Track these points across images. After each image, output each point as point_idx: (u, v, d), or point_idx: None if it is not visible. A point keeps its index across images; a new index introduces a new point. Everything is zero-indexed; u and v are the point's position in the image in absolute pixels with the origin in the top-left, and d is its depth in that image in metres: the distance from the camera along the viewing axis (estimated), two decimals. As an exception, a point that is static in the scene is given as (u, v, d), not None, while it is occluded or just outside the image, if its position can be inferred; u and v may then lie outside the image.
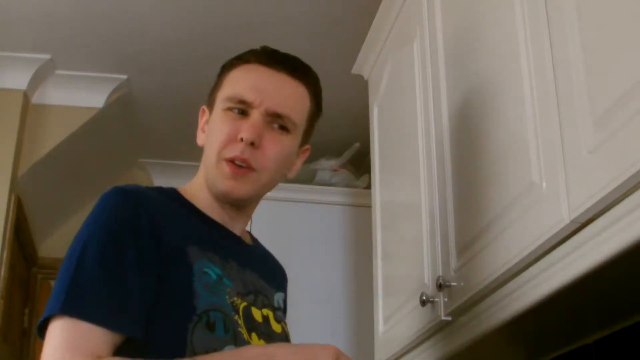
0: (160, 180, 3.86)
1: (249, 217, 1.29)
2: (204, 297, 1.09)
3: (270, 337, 1.17)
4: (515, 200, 1.20)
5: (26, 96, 3.10)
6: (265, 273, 1.27)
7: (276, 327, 1.21)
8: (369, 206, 2.16)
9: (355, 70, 2.30)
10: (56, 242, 3.62)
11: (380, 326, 1.89)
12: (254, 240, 1.35)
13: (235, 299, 1.14)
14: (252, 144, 1.18)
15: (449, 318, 1.45)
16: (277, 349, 1.05)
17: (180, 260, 1.10)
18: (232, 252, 1.19)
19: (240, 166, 1.18)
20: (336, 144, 3.37)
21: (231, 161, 1.18)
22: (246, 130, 1.18)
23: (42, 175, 3.22)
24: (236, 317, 1.12)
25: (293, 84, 1.24)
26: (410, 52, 1.79)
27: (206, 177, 1.23)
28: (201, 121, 1.30)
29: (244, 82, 1.23)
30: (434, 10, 1.65)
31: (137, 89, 3.26)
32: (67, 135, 3.18)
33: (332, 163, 3.25)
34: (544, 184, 1.11)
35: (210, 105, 1.27)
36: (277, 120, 1.21)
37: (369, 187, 2.58)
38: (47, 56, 3.05)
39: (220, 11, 2.73)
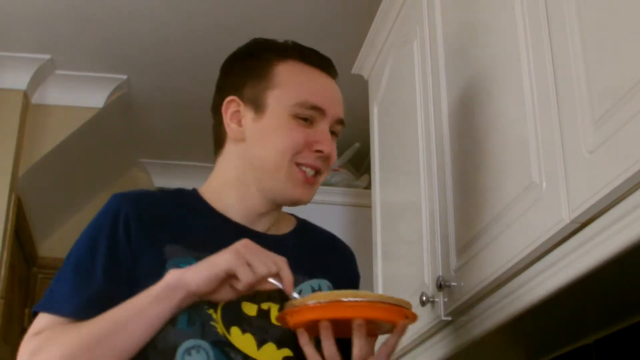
0: (160, 180, 3.87)
1: (279, 208, 1.29)
2: None
3: (264, 330, 1.16)
4: (515, 200, 1.20)
5: (26, 96, 3.10)
6: (298, 262, 1.22)
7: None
8: (369, 206, 2.16)
9: (355, 70, 2.30)
10: (56, 242, 3.62)
11: (380, 326, 1.89)
12: (296, 229, 1.32)
13: None
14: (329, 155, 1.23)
15: (449, 318, 1.45)
16: (188, 269, 1.10)
17: (154, 258, 1.14)
18: None
19: (311, 174, 1.23)
20: (336, 144, 3.36)
21: (301, 168, 1.22)
22: (327, 144, 1.22)
23: (42, 175, 3.22)
24: (209, 311, 1.13)
25: (336, 86, 1.28)
26: (410, 52, 1.79)
27: (262, 179, 1.23)
28: (229, 112, 1.26)
29: (310, 86, 1.24)
30: (434, 10, 1.65)
31: (137, 89, 3.27)
32: (67, 135, 3.18)
33: (332, 163, 3.25)
34: (544, 184, 1.11)
35: (254, 101, 1.24)
36: (337, 128, 1.26)
37: (369, 187, 2.58)
38: (47, 56, 3.05)
39: (219, 11, 2.73)
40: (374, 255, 2.01)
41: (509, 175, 1.23)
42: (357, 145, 3.21)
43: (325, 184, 3.18)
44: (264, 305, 1.18)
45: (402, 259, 1.80)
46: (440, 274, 1.47)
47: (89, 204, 3.63)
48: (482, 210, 1.32)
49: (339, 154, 3.28)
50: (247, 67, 1.27)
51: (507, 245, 1.22)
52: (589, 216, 1.01)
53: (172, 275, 1.10)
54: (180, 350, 1.11)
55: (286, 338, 1.15)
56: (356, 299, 1.09)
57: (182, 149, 3.65)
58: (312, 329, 1.10)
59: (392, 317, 1.12)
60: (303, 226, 1.35)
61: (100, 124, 3.30)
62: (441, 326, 1.50)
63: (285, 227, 1.31)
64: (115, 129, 3.46)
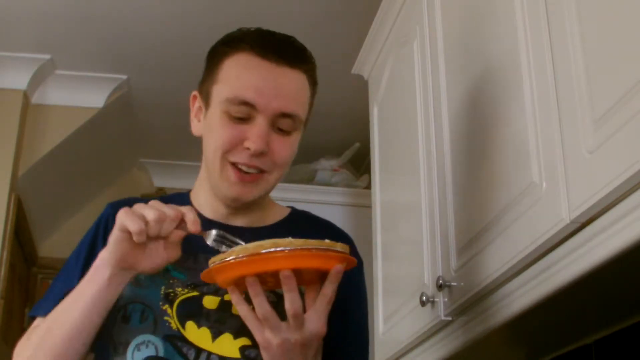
0: (160, 180, 3.86)
1: (259, 203, 1.24)
2: (128, 292, 1.15)
3: (222, 322, 1.14)
4: (515, 200, 1.20)
5: (26, 96, 3.10)
6: None
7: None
8: (369, 206, 2.16)
9: (355, 70, 2.30)
10: (56, 242, 3.62)
11: (380, 326, 1.89)
12: (286, 219, 1.28)
13: (179, 289, 1.16)
14: (260, 153, 1.15)
15: (449, 318, 1.45)
16: (97, 259, 1.11)
17: None
18: (205, 245, 1.14)
19: (247, 172, 1.17)
20: (336, 144, 3.37)
21: (236, 166, 1.16)
22: (253, 140, 1.14)
23: (42, 175, 3.22)
24: (165, 307, 1.14)
25: (293, 76, 1.19)
26: (410, 52, 1.79)
27: (209, 177, 1.22)
28: (193, 108, 1.25)
29: (244, 80, 1.16)
30: (434, 10, 1.65)
31: (137, 89, 3.27)
32: (67, 135, 3.18)
33: (332, 163, 3.25)
34: (544, 184, 1.11)
35: (205, 97, 1.22)
36: (282, 123, 1.17)
37: (369, 187, 2.58)
38: (47, 56, 3.05)
39: (219, 11, 2.73)
40: (374, 255, 2.01)
41: (509, 175, 1.23)
42: (357, 145, 3.21)
43: (325, 184, 3.18)
44: (227, 297, 1.15)
45: (402, 259, 1.80)
46: (440, 274, 1.47)
47: (89, 204, 3.63)
48: (482, 210, 1.32)
49: (339, 154, 3.29)
50: (207, 62, 1.26)
51: (507, 245, 1.22)
52: (589, 216, 1.01)
53: (99, 255, 1.11)
54: (131, 347, 1.13)
55: (245, 327, 1.09)
56: (276, 248, 0.99)
57: (182, 149, 3.64)
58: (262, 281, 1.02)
59: (322, 265, 1.02)
60: (295, 216, 1.30)
61: (100, 124, 3.29)
62: (441, 326, 1.50)
63: (274, 219, 1.27)
64: (115, 129, 3.46)
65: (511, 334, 1.39)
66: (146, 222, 1.05)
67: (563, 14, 1.08)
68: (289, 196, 2.81)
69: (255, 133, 1.15)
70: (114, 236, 1.07)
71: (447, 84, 1.55)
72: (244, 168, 1.17)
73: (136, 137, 3.62)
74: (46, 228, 3.59)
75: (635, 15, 0.91)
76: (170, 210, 1.06)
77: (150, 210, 1.05)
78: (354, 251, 1.24)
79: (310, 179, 3.22)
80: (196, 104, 1.25)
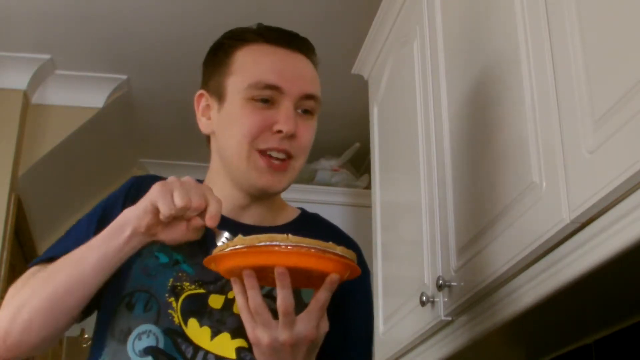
0: (160, 180, 3.86)
1: (271, 199, 1.24)
2: (135, 279, 1.16)
3: (222, 321, 1.14)
4: (515, 200, 1.20)
5: (26, 96, 3.10)
6: None
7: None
8: (369, 206, 2.16)
9: (355, 70, 2.30)
10: (56, 242, 3.62)
11: (380, 326, 1.89)
12: (295, 220, 1.27)
13: (187, 284, 1.15)
14: (291, 135, 1.16)
15: (449, 318, 1.45)
16: (119, 217, 1.11)
17: None
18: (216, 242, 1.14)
19: (277, 158, 1.17)
20: (336, 144, 3.37)
21: (265, 153, 1.16)
22: (284, 122, 1.15)
23: (42, 175, 3.22)
24: (170, 299, 1.14)
25: (306, 61, 1.22)
26: (410, 52, 1.80)
27: (230, 170, 1.20)
28: (199, 108, 1.24)
29: (264, 65, 1.18)
30: (434, 10, 1.65)
31: (137, 89, 3.27)
32: (67, 135, 3.18)
33: (332, 163, 3.25)
34: (544, 184, 1.11)
35: (217, 92, 1.21)
36: (306, 104, 1.19)
37: (369, 187, 2.58)
38: (47, 56, 3.05)
39: (219, 11, 2.73)
40: (374, 255, 2.01)
41: (509, 175, 1.23)
42: (357, 145, 3.21)
43: (325, 184, 3.18)
44: (231, 294, 1.15)
45: (402, 259, 1.80)
46: (440, 274, 1.47)
47: (89, 204, 3.61)
48: (482, 210, 1.32)
49: (339, 154, 3.29)
50: (212, 58, 1.26)
51: (507, 245, 1.22)
52: (589, 216, 1.01)
53: (121, 214, 1.11)
54: (132, 335, 1.13)
55: (242, 328, 1.08)
56: (272, 243, 0.96)
57: (182, 149, 3.65)
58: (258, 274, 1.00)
59: (317, 265, 0.98)
60: (305, 218, 1.30)
61: (100, 124, 3.30)
62: (441, 326, 1.50)
63: (284, 220, 1.27)
64: (115, 129, 3.46)
65: (511, 334, 1.39)
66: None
67: (563, 13, 1.08)
68: (289, 196, 2.76)
69: (284, 115, 1.16)
70: (144, 206, 1.08)
71: (447, 84, 1.55)
72: (274, 154, 1.17)
73: (136, 137, 3.62)
74: (46, 228, 3.59)
75: (635, 15, 0.91)
76: (197, 199, 1.07)
77: (180, 198, 1.06)
78: (361, 260, 1.22)
79: (310, 179, 3.22)
80: (202, 103, 1.24)
